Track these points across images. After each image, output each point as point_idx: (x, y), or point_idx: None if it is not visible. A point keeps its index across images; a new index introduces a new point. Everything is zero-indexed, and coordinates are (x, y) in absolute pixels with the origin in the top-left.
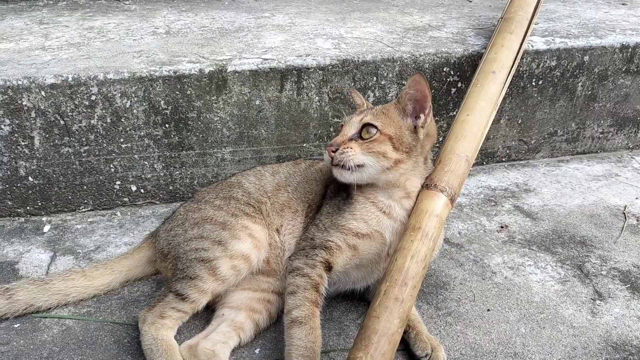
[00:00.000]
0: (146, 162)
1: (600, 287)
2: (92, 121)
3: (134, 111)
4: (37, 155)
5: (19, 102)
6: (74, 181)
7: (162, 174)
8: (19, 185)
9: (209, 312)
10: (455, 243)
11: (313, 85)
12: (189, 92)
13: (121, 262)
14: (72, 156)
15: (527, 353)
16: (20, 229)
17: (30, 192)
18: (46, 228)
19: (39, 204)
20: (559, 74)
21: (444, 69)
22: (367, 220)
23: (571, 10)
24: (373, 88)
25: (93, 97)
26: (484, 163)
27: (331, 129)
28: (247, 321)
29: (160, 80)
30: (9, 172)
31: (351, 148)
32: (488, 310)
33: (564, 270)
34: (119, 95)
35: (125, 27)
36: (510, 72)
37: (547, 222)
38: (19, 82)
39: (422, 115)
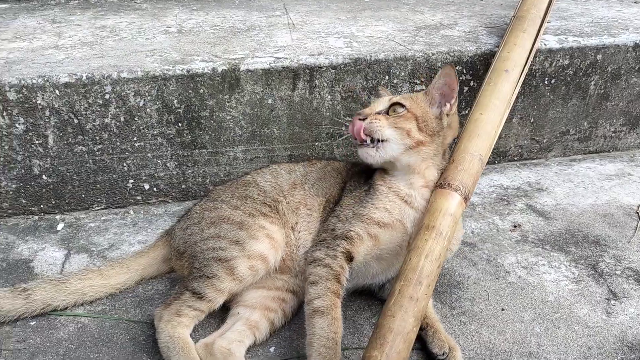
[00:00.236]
0: (159, 161)
1: (615, 287)
2: (106, 120)
3: (147, 110)
4: (51, 153)
5: (34, 100)
6: (88, 179)
7: (174, 173)
8: (33, 183)
9: (222, 310)
10: (468, 242)
11: (325, 84)
12: (201, 91)
13: (137, 261)
14: (86, 155)
15: (542, 353)
16: (35, 227)
17: (44, 190)
18: (60, 226)
19: (53, 202)
20: (571, 72)
21: (457, 68)
22: (389, 210)
23: (583, 8)
24: (385, 87)
25: (107, 96)
26: (496, 162)
27: (342, 128)
28: (263, 320)
29: (173, 79)
30: (23, 171)
31: (379, 120)
32: (502, 309)
33: (578, 269)
34: (133, 94)
35: (137, 25)
36: (523, 70)
37: (560, 222)
38: (34, 81)
39: (447, 104)
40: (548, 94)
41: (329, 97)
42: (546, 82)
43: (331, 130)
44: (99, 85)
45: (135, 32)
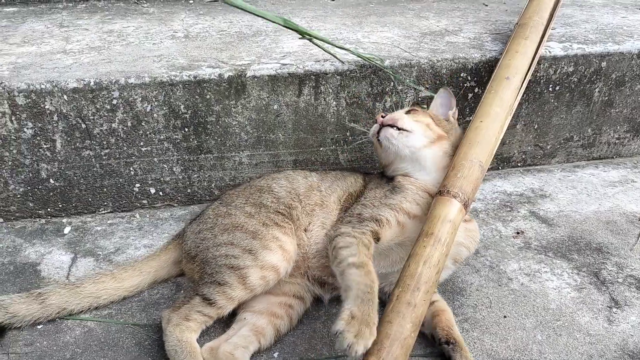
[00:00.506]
0: (165, 165)
1: (617, 295)
2: (113, 125)
3: (154, 115)
4: (59, 158)
5: (42, 105)
6: (94, 183)
7: (180, 177)
8: (40, 187)
9: (229, 314)
10: None
11: (331, 90)
12: (208, 96)
13: (149, 264)
14: (93, 159)
15: None
16: (42, 231)
17: (51, 194)
18: (67, 230)
19: (60, 205)
20: (576, 79)
21: (461, 75)
22: (419, 204)
23: (588, 15)
24: (390, 93)
25: (114, 102)
26: (500, 168)
27: (347, 133)
28: (269, 327)
29: (180, 85)
30: (30, 175)
31: (402, 116)
32: (504, 316)
33: (580, 277)
34: (140, 99)
35: (145, 30)
36: (525, 77)
37: (563, 229)
38: (42, 86)
39: (449, 112)
40: (552, 100)
41: (334, 103)
42: (550, 89)
43: (336, 136)
44: (106, 90)
45: (143, 37)
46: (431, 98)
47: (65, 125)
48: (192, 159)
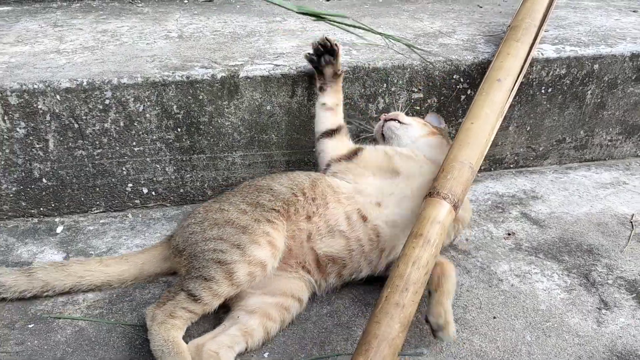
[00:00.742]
0: (158, 165)
1: (606, 296)
2: (106, 125)
3: (147, 115)
4: (51, 157)
5: (35, 105)
6: (87, 183)
7: (173, 177)
8: (32, 186)
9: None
10: (462, 250)
11: None
12: (201, 97)
13: (137, 255)
14: (86, 159)
15: None
16: (34, 230)
17: (43, 193)
18: (59, 229)
19: (52, 205)
20: (568, 82)
21: (454, 77)
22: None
23: (582, 17)
24: (383, 94)
25: (107, 102)
26: (492, 169)
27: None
28: (259, 328)
29: (173, 85)
30: (23, 174)
31: (401, 114)
32: (494, 317)
33: (570, 278)
34: (133, 99)
35: (139, 30)
36: (517, 79)
37: (554, 230)
38: (35, 86)
39: (441, 126)
40: (545, 102)
41: None
42: (543, 91)
43: None
44: (99, 90)
45: (136, 36)
46: (423, 100)
47: (58, 125)
48: (184, 159)
